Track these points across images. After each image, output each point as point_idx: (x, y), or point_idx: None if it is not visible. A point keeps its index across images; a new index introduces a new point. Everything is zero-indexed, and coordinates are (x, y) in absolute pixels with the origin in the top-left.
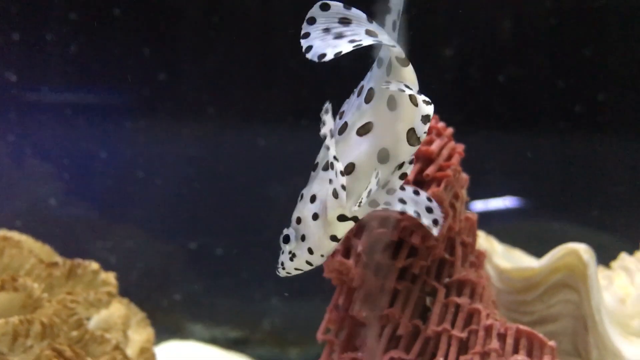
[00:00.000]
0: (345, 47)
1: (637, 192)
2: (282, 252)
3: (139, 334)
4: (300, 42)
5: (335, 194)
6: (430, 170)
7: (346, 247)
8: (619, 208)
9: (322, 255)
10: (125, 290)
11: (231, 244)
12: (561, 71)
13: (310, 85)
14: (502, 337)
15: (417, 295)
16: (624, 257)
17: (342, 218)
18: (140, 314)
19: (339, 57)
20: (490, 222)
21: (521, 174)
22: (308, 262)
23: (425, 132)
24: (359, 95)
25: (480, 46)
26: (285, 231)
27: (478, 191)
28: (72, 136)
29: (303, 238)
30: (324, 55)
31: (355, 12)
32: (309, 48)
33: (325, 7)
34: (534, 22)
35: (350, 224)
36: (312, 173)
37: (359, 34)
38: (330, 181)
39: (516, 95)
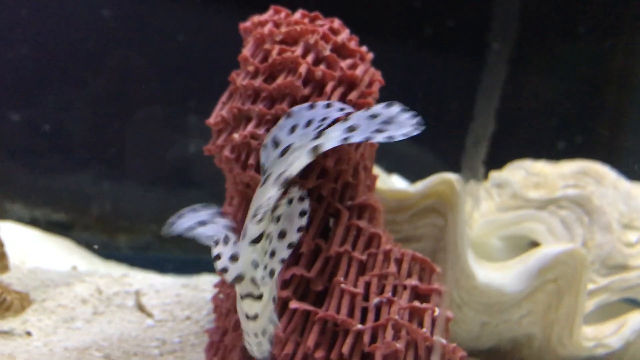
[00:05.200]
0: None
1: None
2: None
3: None
4: None
5: None
6: (353, 96)
7: (259, 163)
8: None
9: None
10: None
11: (61, 119)
12: None
13: None
14: (398, 262)
15: (321, 215)
16: (472, 184)
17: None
18: None
19: None
20: None
21: None
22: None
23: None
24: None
25: None
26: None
27: None
28: None
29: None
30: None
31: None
32: None
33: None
34: None
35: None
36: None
37: None
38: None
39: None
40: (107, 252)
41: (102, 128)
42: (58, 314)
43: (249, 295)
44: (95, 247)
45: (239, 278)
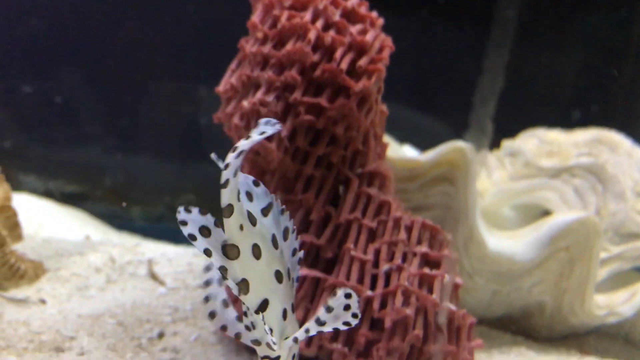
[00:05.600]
0: None
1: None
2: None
3: None
4: None
5: None
6: (363, 62)
7: None
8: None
9: None
10: None
11: (74, 91)
12: None
13: None
14: (408, 229)
15: (331, 183)
16: (484, 153)
17: None
18: None
19: None
20: None
21: None
22: None
23: None
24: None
25: None
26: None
27: None
28: None
29: None
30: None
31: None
32: None
33: None
34: None
35: None
36: None
37: None
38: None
39: None
40: (121, 223)
41: (115, 100)
42: (72, 283)
43: (266, 357)
44: (124, 204)
45: (256, 342)
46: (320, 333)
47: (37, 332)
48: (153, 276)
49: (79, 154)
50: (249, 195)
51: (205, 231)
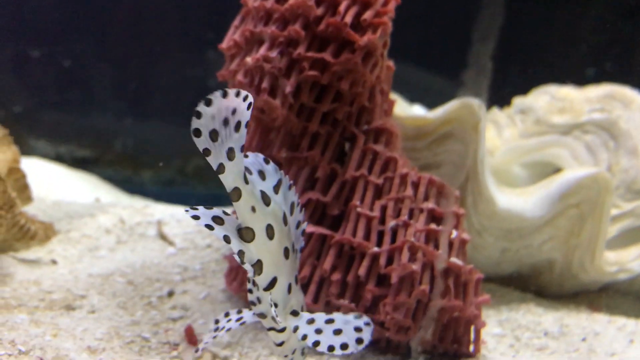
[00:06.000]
0: None
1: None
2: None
3: (3, 152)
4: None
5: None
6: (368, 15)
7: (272, 86)
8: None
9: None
10: None
11: (84, 56)
12: None
13: None
14: (415, 186)
15: (337, 140)
16: (495, 111)
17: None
18: (1, 131)
19: None
20: None
21: None
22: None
23: None
24: None
25: None
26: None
27: None
28: None
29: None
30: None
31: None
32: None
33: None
34: None
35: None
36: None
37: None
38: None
39: None
40: (132, 188)
41: (125, 64)
42: (83, 244)
43: (272, 329)
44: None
45: (262, 315)
46: (327, 289)
47: (48, 291)
48: (162, 236)
49: (90, 118)
50: (262, 174)
51: (218, 220)
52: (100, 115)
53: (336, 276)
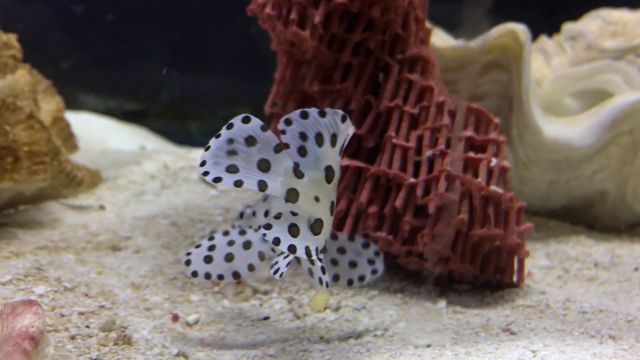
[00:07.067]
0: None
1: None
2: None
3: (48, 102)
4: None
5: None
6: None
7: (301, 17)
8: None
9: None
10: None
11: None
12: None
13: None
14: (452, 114)
15: (370, 70)
16: (543, 39)
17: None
18: (45, 82)
19: None
20: None
21: None
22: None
23: None
24: None
25: None
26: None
27: None
28: None
29: None
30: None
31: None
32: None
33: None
34: None
35: None
36: None
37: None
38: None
39: None
40: (180, 139)
41: (170, 17)
42: (129, 190)
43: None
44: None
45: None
46: (364, 221)
47: (95, 234)
48: (205, 180)
49: (137, 72)
50: (319, 138)
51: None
52: (146, 69)
53: (373, 209)
